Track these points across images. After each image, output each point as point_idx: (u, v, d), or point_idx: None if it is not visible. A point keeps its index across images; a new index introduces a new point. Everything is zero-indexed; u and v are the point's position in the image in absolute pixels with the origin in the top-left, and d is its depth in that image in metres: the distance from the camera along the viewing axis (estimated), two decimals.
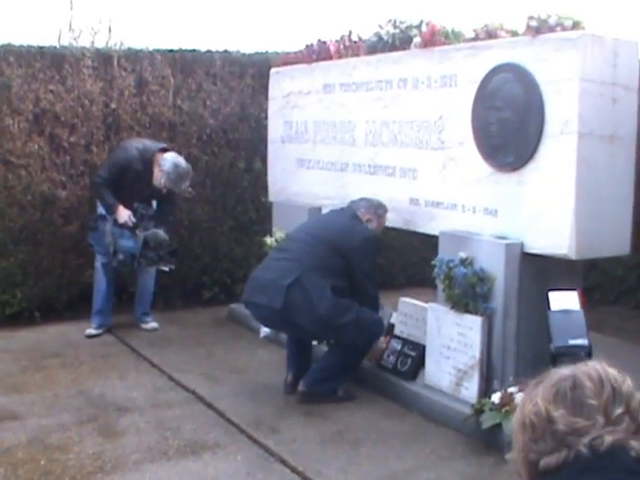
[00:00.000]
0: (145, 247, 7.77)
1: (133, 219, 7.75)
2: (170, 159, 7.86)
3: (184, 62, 9.21)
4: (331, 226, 6.51)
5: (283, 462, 5.21)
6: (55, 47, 8.94)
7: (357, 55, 7.42)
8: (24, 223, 8.53)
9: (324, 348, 6.66)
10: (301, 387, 6.26)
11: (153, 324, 8.32)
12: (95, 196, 8.26)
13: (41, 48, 8.68)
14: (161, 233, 7.86)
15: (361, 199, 6.72)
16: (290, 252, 6.38)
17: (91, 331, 8.13)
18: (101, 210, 8.02)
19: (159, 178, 7.84)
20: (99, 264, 8.16)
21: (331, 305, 6.03)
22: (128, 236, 7.75)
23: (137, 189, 7.88)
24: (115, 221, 7.77)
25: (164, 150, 7.99)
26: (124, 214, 7.77)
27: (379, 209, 6.68)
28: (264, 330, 7.41)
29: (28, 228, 8.56)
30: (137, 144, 8.09)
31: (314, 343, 6.76)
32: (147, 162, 7.88)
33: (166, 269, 8.01)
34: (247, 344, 7.72)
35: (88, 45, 9.12)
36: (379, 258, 8.50)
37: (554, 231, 5.41)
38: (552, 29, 5.49)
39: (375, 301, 6.51)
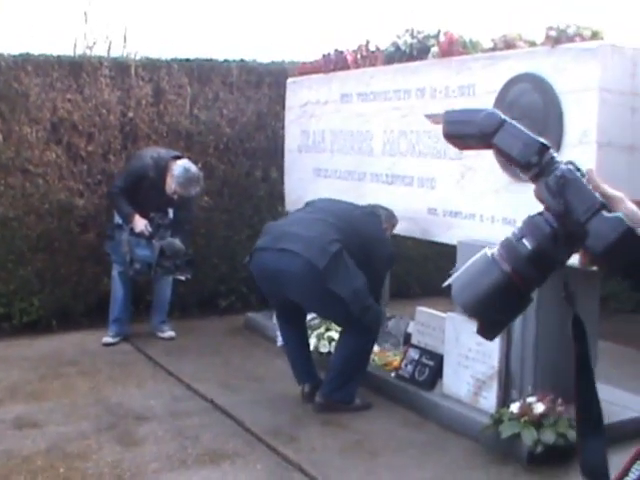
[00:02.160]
0: (161, 256, 7.80)
1: (149, 228, 7.79)
2: (181, 164, 7.91)
3: (201, 71, 9.25)
4: (365, 227, 6.51)
5: (302, 471, 5.23)
6: (73, 56, 9.00)
7: (374, 65, 7.44)
8: (41, 231, 8.58)
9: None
10: (318, 398, 6.26)
11: (170, 333, 8.35)
12: (112, 206, 8.30)
13: (59, 57, 8.74)
14: (177, 242, 7.90)
15: (380, 207, 6.79)
16: (324, 214, 6.43)
17: (108, 339, 8.16)
18: (118, 219, 8.05)
19: (170, 184, 7.89)
20: (116, 273, 8.19)
21: (364, 283, 6.11)
22: (144, 245, 7.78)
23: (152, 197, 7.92)
24: (131, 230, 7.81)
25: (177, 158, 8.03)
26: (140, 223, 7.81)
27: (393, 219, 6.85)
28: (281, 339, 7.43)
29: (45, 236, 8.61)
30: (152, 153, 8.14)
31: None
32: (161, 170, 7.92)
33: (182, 278, 8.05)
34: (264, 353, 7.74)
35: (104, 54, 9.17)
36: (394, 267, 8.56)
37: None
38: (571, 39, 5.51)
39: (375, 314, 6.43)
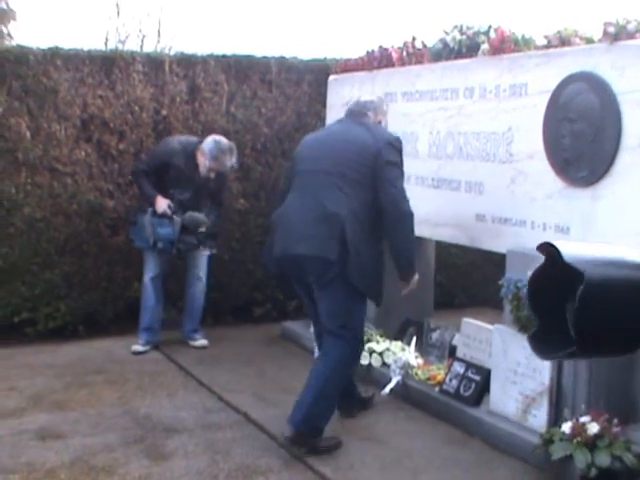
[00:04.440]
0: (183, 232, 7.91)
1: (172, 207, 7.93)
2: (210, 139, 8.04)
3: (238, 68, 9.23)
4: (348, 145, 5.92)
5: None
6: (104, 51, 9.03)
7: (421, 62, 7.40)
8: (69, 233, 8.60)
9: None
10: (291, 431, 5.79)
11: (202, 341, 8.33)
12: (136, 187, 8.46)
13: (90, 52, 8.76)
14: (198, 215, 8.01)
15: (364, 102, 6.24)
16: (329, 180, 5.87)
17: (137, 347, 8.16)
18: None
19: (203, 162, 7.99)
20: (147, 279, 8.20)
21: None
22: (167, 224, 7.90)
23: (183, 185, 8.03)
24: (154, 212, 7.92)
25: None
26: (163, 203, 7.93)
27: (384, 104, 6.40)
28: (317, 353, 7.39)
29: (73, 238, 8.63)
30: (182, 139, 8.32)
31: None
32: (190, 156, 8.06)
33: (207, 253, 8.20)
34: (300, 363, 7.68)
35: (137, 49, 9.18)
36: (439, 276, 8.50)
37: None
38: (631, 36, 5.43)
39: (410, 219, 5.91)
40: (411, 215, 5.85)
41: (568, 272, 2.24)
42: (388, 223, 5.84)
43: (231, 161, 8.06)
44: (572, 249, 2.28)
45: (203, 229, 8.00)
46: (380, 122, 6.21)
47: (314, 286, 5.93)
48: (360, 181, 5.78)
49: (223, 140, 8.04)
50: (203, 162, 7.97)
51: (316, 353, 7.42)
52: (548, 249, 2.32)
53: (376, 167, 5.76)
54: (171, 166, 8.02)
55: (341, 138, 6.01)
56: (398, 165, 5.89)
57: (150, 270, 8.19)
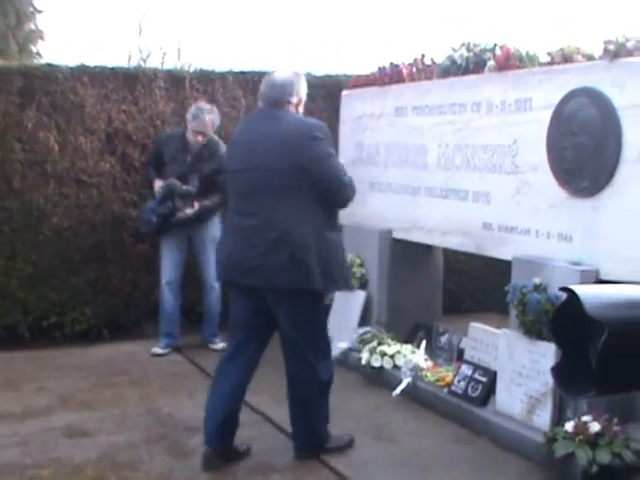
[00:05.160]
0: (161, 201, 8.01)
1: (164, 186, 8.10)
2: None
3: (256, 83, 9.18)
4: (274, 142, 5.26)
5: None
6: (128, 68, 9.09)
7: (430, 78, 7.43)
8: (94, 242, 8.67)
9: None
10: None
11: (222, 344, 8.36)
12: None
13: (114, 69, 8.83)
14: (173, 180, 8.07)
15: (282, 84, 5.43)
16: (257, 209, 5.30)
17: (157, 350, 8.22)
18: None
19: (189, 130, 8.15)
20: (164, 283, 8.27)
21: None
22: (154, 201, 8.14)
23: (176, 167, 8.17)
24: (154, 198, 8.14)
25: None
26: (156, 185, 8.18)
27: (301, 80, 5.56)
28: (333, 353, 7.42)
29: (98, 247, 8.70)
30: (175, 127, 8.69)
31: None
32: (180, 137, 8.25)
33: (183, 216, 8.07)
34: None
35: (158, 66, 9.24)
36: (447, 282, 8.52)
37: (632, 258, 5.35)
38: (630, 53, 5.46)
39: (351, 187, 5.51)
40: (351, 184, 5.49)
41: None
42: (332, 197, 5.38)
43: (210, 117, 8.13)
44: (593, 294, 2.23)
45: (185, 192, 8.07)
46: (300, 101, 5.53)
47: (272, 302, 5.42)
48: (294, 180, 5.19)
49: (203, 104, 8.26)
50: (189, 130, 8.15)
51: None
52: (569, 294, 2.25)
53: (308, 160, 5.17)
54: (164, 151, 8.22)
55: (266, 137, 5.29)
56: (328, 152, 5.34)
57: (165, 274, 8.27)
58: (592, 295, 2.22)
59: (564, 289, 2.26)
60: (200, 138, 8.10)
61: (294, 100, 5.45)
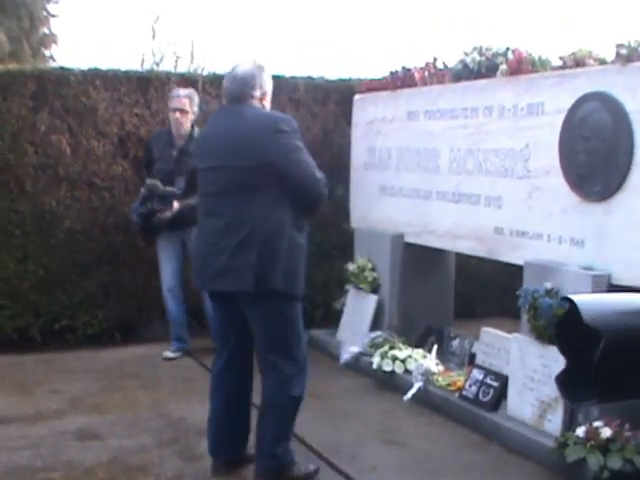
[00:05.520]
0: (142, 202, 7.97)
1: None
2: None
3: None
4: (233, 140, 5.00)
5: None
6: (141, 71, 9.12)
7: (442, 83, 7.43)
8: (106, 245, 8.69)
9: None
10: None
11: None
12: None
13: (127, 72, 8.86)
14: (151, 181, 7.99)
15: (243, 77, 5.15)
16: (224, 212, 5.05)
17: (168, 354, 8.23)
18: None
19: (169, 114, 8.14)
20: (165, 290, 8.27)
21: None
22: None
23: (162, 163, 8.12)
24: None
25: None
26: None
27: (264, 72, 5.24)
28: (344, 357, 7.44)
29: (110, 250, 8.72)
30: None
31: None
32: (166, 134, 8.21)
33: (163, 218, 7.97)
34: (326, 370, 7.71)
35: (171, 70, 9.26)
36: (459, 285, 8.50)
37: None
38: None
39: (324, 184, 5.14)
40: (323, 181, 5.13)
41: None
42: (301, 196, 5.04)
43: (185, 92, 8.10)
44: (591, 302, 2.24)
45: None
46: (265, 94, 5.21)
47: (244, 307, 5.15)
48: (261, 177, 4.91)
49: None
50: (169, 115, 8.17)
51: (342, 360, 7.49)
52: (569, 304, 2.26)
53: (274, 154, 4.88)
54: (153, 148, 8.21)
55: (229, 134, 5.03)
56: (296, 146, 5.01)
57: (165, 282, 8.28)
58: (590, 303, 2.24)
59: (565, 299, 2.29)
60: (178, 114, 7.99)
61: (257, 94, 5.12)
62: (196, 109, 8.08)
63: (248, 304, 5.07)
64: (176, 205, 7.90)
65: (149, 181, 7.96)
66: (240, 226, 4.93)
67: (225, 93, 5.22)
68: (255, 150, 4.90)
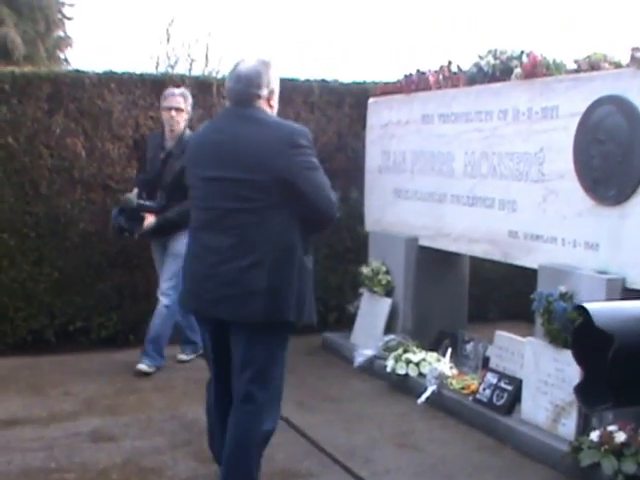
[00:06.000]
0: (117, 214, 7.85)
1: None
2: None
3: (282, 90, 9.12)
4: (242, 150, 4.51)
5: None
6: (155, 74, 9.13)
7: (456, 86, 7.43)
8: (121, 247, 8.69)
9: None
10: None
11: None
12: None
13: (141, 75, 8.87)
14: (126, 196, 7.88)
15: (247, 75, 4.62)
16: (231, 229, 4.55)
17: (182, 356, 8.26)
18: None
19: (163, 114, 7.99)
20: (159, 293, 8.21)
21: None
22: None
23: (149, 166, 8.02)
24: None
25: None
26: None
27: (270, 71, 4.72)
28: (358, 360, 7.44)
29: (124, 252, 8.72)
30: None
31: None
32: (158, 136, 8.11)
33: (135, 236, 7.92)
34: (341, 373, 7.73)
35: (186, 73, 9.27)
36: (472, 289, 8.49)
37: None
38: None
39: (336, 206, 4.71)
40: (336, 216, 4.73)
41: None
42: (313, 217, 4.65)
43: (179, 91, 8.01)
44: (603, 308, 2.24)
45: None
46: (272, 93, 4.70)
47: (233, 332, 4.69)
48: (271, 194, 4.47)
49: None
50: (163, 115, 8.05)
51: (356, 363, 7.50)
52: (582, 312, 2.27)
53: (287, 172, 4.45)
54: (148, 149, 8.14)
55: (236, 142, 4.53)
56: (312, 164, 4.57)
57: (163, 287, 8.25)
58: (602, 309, 2.25)
59: (579, 307, 2.31)
60: (174, 113, 7.87)
61: (264, 93, 4.61)
62: (190, 109, 8.04)
63: (240, 330, 4.63)
64: (150, 220, 7.72)
65: (125, 197, 7.86)
66: (248, 248, 4.49)
67: (229, 94, 4.75)
68: (271, 165, 4.42)
